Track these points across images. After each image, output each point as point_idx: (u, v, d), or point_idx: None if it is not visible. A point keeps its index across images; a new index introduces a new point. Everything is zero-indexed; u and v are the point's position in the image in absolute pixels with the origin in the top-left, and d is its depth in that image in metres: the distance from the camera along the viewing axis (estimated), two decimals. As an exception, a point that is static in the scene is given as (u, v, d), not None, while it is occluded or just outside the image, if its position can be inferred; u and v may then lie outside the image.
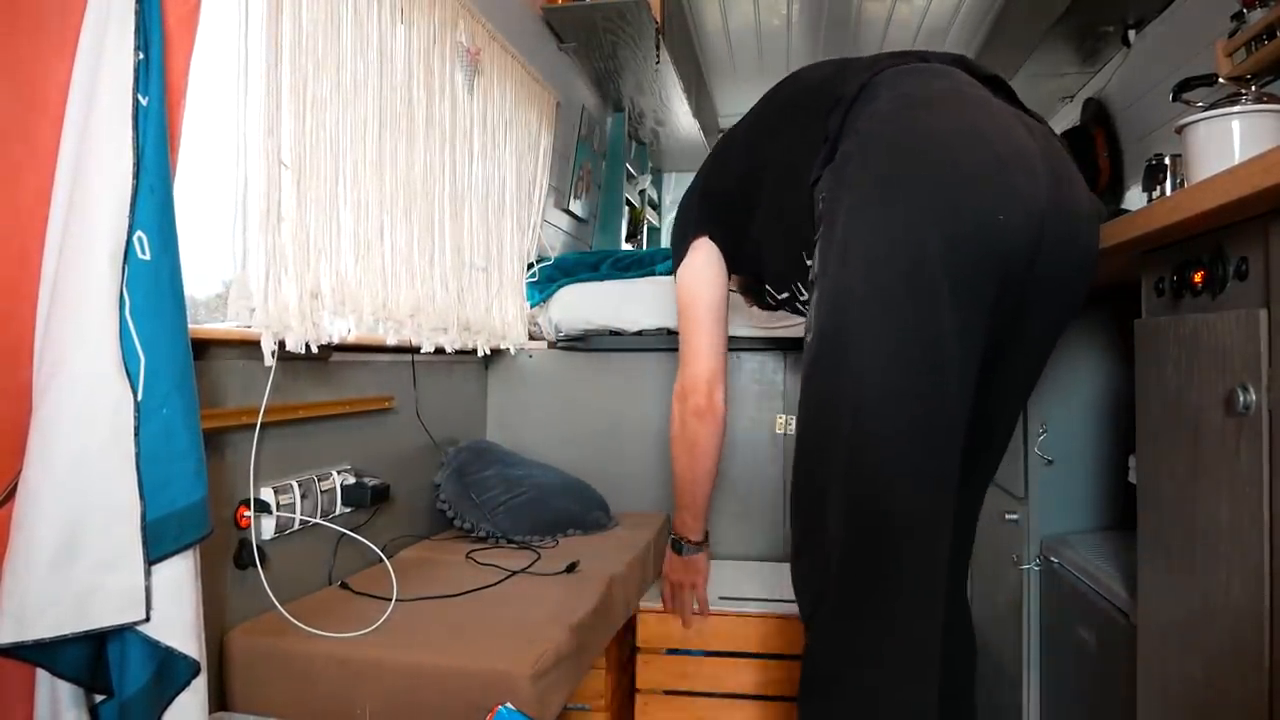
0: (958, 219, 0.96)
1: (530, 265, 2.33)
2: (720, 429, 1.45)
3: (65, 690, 0.93)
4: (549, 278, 2.34)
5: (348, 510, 1.56)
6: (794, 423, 1.39)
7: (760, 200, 1.26)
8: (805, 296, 1.21)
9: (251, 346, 1.26)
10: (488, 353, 2.04)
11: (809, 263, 1.12)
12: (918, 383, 0.98)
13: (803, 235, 1.14)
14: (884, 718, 1.01)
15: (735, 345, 2.20)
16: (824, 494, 1.03)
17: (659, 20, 2.62)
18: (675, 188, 4.68)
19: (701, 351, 1.42)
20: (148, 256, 0.94)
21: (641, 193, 4.00)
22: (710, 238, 1.39)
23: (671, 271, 1.46)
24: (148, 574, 0.92)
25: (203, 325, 1.34)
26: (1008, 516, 1.70)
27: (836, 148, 1.05)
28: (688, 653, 1.80)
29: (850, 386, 0.99)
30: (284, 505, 1.37)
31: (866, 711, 1.01)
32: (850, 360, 0.99)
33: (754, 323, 2.13)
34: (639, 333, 2.22)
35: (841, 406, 1.00)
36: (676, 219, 1.47)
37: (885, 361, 0.97)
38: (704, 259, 1.40)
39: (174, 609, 0.95)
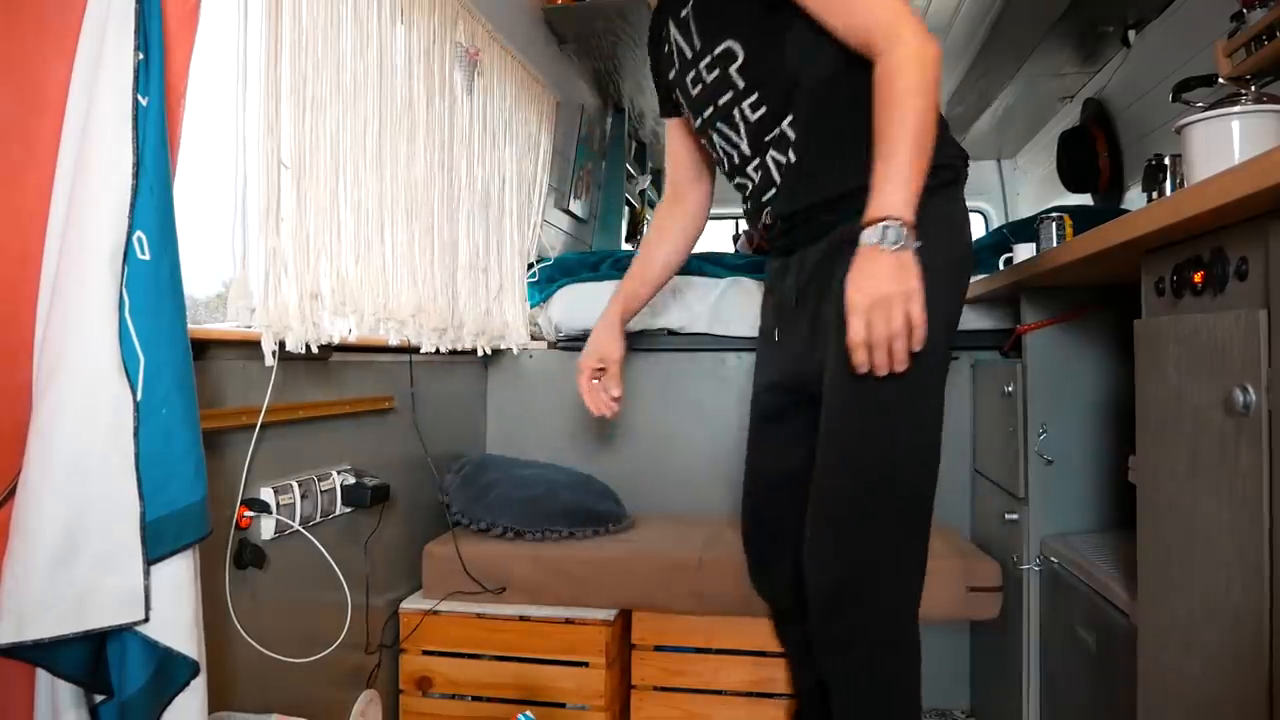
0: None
1: (530, 265, 2.32)
2: None
3: (65, 690, 0.93)
4: (549, 278, 2.34)
5: (348, 510, 1.56)
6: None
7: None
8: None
9: (251, 346, 1.26)
10: (488, 353, 2.04)
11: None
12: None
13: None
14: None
15: (737, 345, 2.20)
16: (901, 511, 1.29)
17: (659, 20, 2.60)
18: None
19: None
20: (147, 256, 0.94)
21: (641, 193, 3.99)
22: None
23: None
24: (147, 574, 0.92)
25: (203, 325, 1.34)
26: (1008, 516, 1.70)
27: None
28: (680, 650, 1.81)
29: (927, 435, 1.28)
30: (284, 505, 1.37)
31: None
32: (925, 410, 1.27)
33: None
34: (639, 333, 2.21)
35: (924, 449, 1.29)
36: None
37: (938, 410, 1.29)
38: None
39: (173, 609, 0.95)
